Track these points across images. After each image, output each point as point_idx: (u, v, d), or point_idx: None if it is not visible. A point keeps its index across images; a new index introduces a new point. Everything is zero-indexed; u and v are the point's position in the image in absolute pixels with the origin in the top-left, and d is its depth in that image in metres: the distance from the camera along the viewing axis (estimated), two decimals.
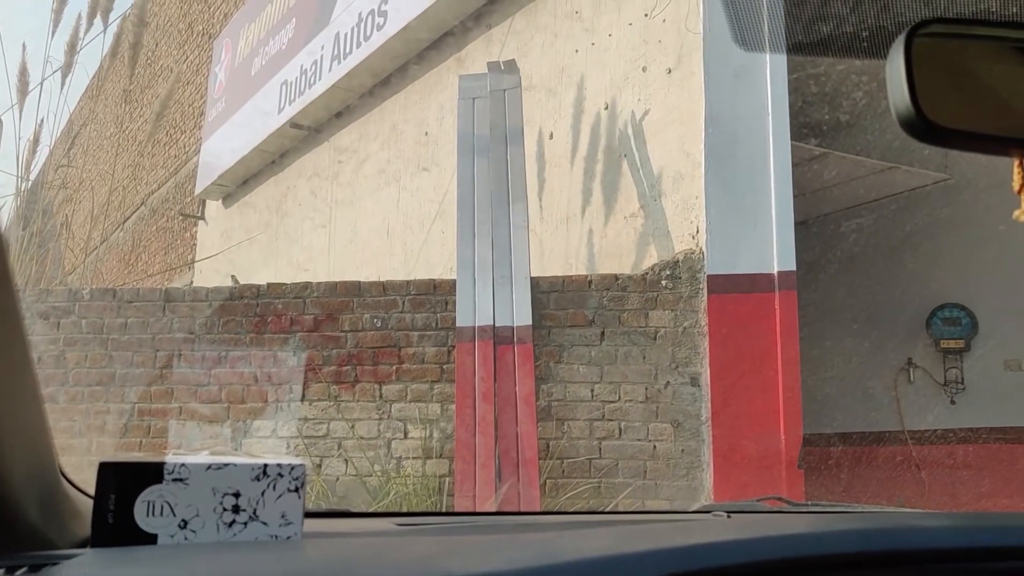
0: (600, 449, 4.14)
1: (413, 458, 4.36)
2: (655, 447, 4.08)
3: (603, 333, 4.23)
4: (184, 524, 0.98)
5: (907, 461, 5.13)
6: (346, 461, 4.42)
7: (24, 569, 0.78)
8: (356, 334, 4.49)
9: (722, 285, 4.01)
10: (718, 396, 3.95)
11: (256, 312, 4.58)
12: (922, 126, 0.53)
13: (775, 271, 3.92)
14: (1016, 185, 0.61)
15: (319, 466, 4.42)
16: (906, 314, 5.38)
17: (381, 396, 4.44)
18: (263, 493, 1.01)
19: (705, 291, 4.05)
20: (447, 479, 4.24)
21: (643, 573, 0.68)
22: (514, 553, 0.74)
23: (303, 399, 4.46)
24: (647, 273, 4.28)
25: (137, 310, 4.66)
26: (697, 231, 4.15)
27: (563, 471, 4.14)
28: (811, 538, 0.71)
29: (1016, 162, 0.60)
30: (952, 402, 5.23)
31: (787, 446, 3.79)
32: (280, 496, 1.02)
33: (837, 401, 5.08)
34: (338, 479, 4.39)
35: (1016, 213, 0.63)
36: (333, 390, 4.46)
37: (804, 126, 4.88)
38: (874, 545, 0.70)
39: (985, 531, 0.71)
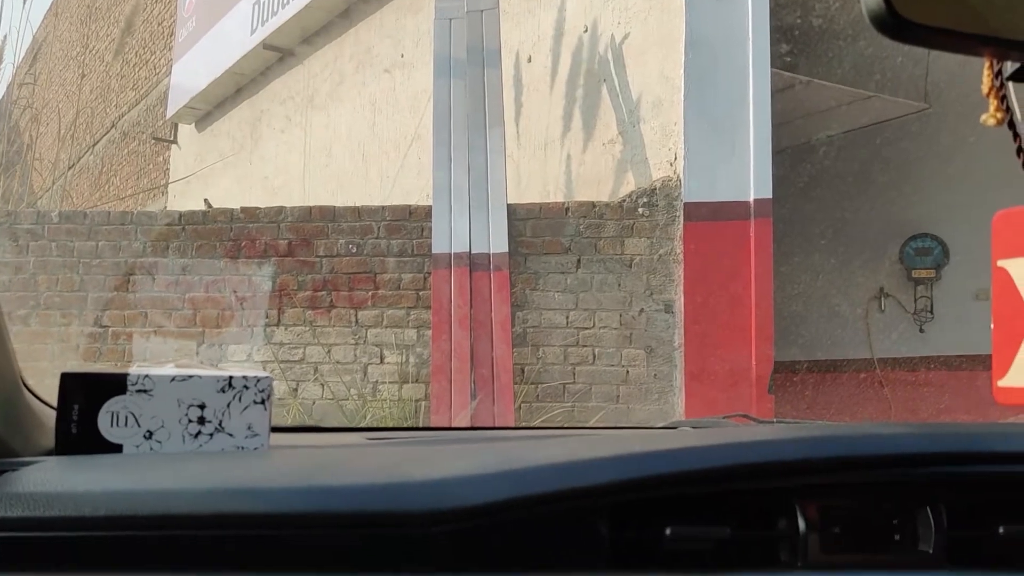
0: (574, 374, 4.18)
1: (389, 383, 4.39)
2: (628, 372, 4.12)
3: (579, 260, 4.23)
4: (149, 435, 0.98)
5: (874, 384, 5.24)
6: (322, 385, 4.45)
7: None
8: (331, 259, 4.47)
9: (698, 212, 4.01)
10: (691, 323, 3.98)
11: (230, 236, 4.53)
12: (892, 22, 0.51)
13: (751, 199, 3.92)
14: (984, 88, 0.60)
15: (295, 390, 4.44)
16: (880, 244, 5.42)
17: (357, 322, 4.44)
18: (229, 405, 1.01)
19: (681, 218, 4.05)
20: (423, 403, 4.29)
21: (602, 477, 0.69)
22: (478, 459, 0.75)
23: (278, 324, 4.46)
24: (624, 200, 4.27)
25: (108, 233, 4.60)
26: (675, 158, 4.12)
27: (537, 395, 4.18)
28: (767, 445, 0.72)
29: (986, 63, 0.59)
30: (921, 330, 5.32)
31: (758, 371, 3.85)
32: (246, 408, 1.02)
33: (809, 329, 5.15)
34: (314, 403, 4.42)
35: (983, 117, 0.62)
36: (308, 315, 4.45)
37: (785, 53, 4.81)
38: (829, 451, 0.71)
39: (938, 438, 0.72)
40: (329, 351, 4.43)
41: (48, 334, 4.50)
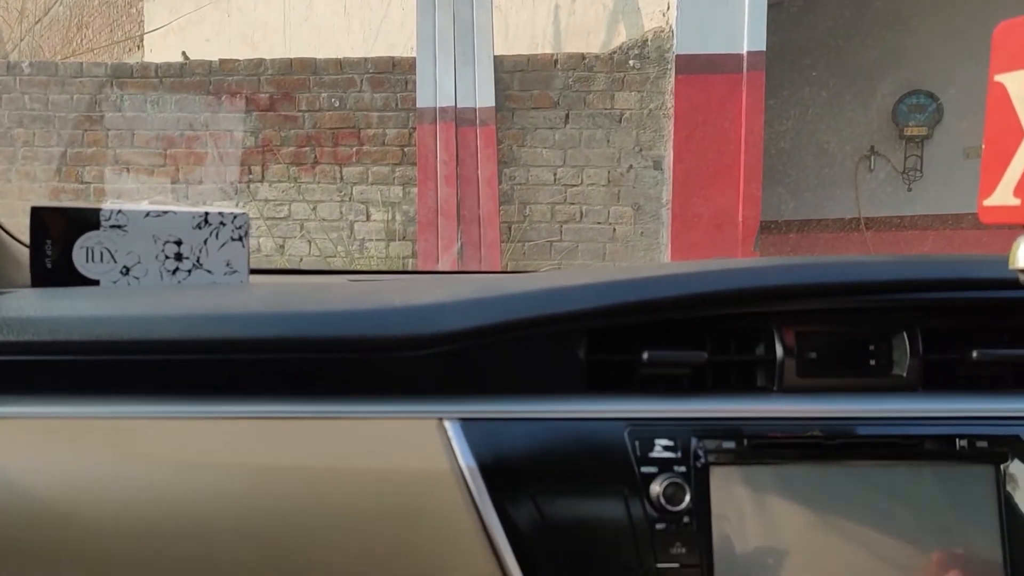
0: (561, 232, 4.18)
1: (376, 240, 4.38)
2: (615, 230, 4.12)
3: (568, 115, 4.15)
4: (126, 271, 0.97)
5: (859, 243, 5.27)
6: (309, 242, 4.43)
7: None
8: (314, 114, 4.36)
9: (690, 65, 3.90)
10: (679, 179, 3.95)
11: (209, 89, 4.40)
12: None
13: (745, 51, 3.80)
14: None
15: (282, 247, 4.43)
16: (872, 101, 5.32)
17: (342, 178, 4.39)
18: (206, 241, 1.00)
19: (673, 71, 3.94)
20: (411, 260, 4.29)
21: (580, 303, 0.69)
22: (458, 288, 0.74)
23: (263, 180, 4.40)
24: (615, 52, 4.14)
25: (83, 86, 4.45)
26: (668, 7, 3.97)
27: (524, 253, 4.19)
28: (747, 272, 0.71)
29: None
30: (909, 189, 5.31)
31: (744, 229, 3.85)
32: (224, 244, 1.01)
33: (796, 187, 5.13)
34: (301, 259, 4.42)
35: None
36: (293, 171, 4.38)
37: None
38: (807, 278, 0.71)
39: (915, 266, 0.72)
40: (315, 208, 4.40)
41: (29, 189, 4.43)
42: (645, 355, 0.70)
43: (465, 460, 0.65)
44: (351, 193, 4.39)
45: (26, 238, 1.11)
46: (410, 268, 4.28)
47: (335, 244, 4.35)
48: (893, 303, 0.72)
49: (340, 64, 4.36)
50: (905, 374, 0.71)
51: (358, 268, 4.26)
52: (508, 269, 3.99)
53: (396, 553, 0.64)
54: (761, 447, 0.69)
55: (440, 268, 4.07)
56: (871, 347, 0.72)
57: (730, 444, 0.68)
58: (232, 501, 0.65)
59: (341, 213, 4.40)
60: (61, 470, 0.66)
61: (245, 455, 0.66)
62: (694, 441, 0.68)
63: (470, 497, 0.65)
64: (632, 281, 0.70)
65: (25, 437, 0.68)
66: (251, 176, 4.41)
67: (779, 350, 0.71)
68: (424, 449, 0.66)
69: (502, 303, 0.69)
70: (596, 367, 0.72)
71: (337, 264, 4.33)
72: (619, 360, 0.72)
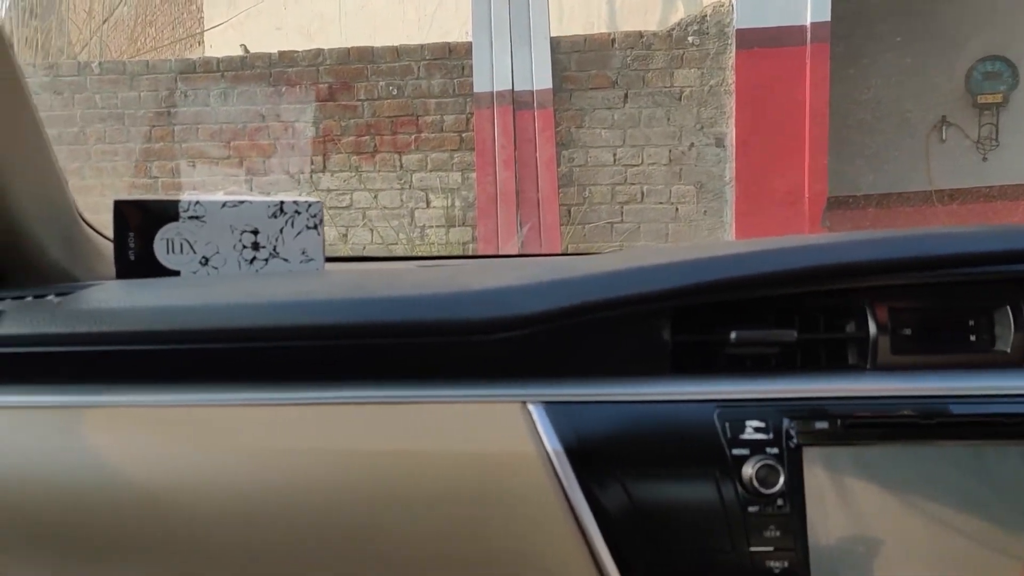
0: (622, 213, 4.14)
1: (436, 226, 4.40)
2: (677, 209, 4.07)
3: (626, 95, 4.10)
4: (205, 261, 0.98)
5: (932, 217, 5.10)
6: (371, 230, 4.48)
7: (51, 296, 0.78)
8: (373, 103, 4.39)
9: (751, 39, 3.81)
10: (743, 156, 3.87)
11: (269, 81, 4.46)
12: None
13: (808, 23, 3.70)
14: None
15: (345, 236, 4.48)
16: (944, 69, 5.13)
17: (401, 166, 4.41)
18: (281, 230, 1.01)
19: (733, 46, 3.86)
20: (471, 245, 4.30)
21: (665, 282, 0.67)
22: (535, 271, 0.73)
23: (324, 170, 4.45)
24: (673, 29, 4.07)
25: (149, 83, 4.56)
26: None
27: (584, 236, 4.17)
28: (837, 248, 0.69)
29: None
30: (984, 159, 5.12)
31: (811, 205, 3.76)
32: (299, 233, 1.01)
33: (865, 160, 4.98)
34: (364, 248, 4.46)
35: None
36: (354, 160, 4.42)
37: None
38: (902, 251, 0.68)
39: (1017, 236, 0.68)
40: (376, 196, 4.43)
41: (101, 186, 4.56)
42: (733, 335, 0.68)
43: (551, 443, 0.65)
44: (411, 181, 4.41)
45: (107, 232, 1.13)
46: (471, 254, 4.29)
47: (396, 232, 4.38)
48: (996, 275, 0.69)
49: (397, 52, 4.37)
50: (1009, 350, 0.68)
51: (420, 255, 4.29)
52: (569, 252, 3.97)
53: (483, 537, 0.64)
54: (855, 427, 0.66)
55: (502, 253, 4.07)
56: (971, 322, 0.69)
57: (823, 425, 0.66)
58: (318, 487, 0.65)
59: (402, 201, 4.42)
60: (152, 458, 0.67)
61: (330, 441, 0.66)
62: (786, 422, 0.66)
63: (557, 480, 0.64)
64: (722, 258, 0.69)
65: (116, 425, 0.69)
66: (313, 166, 4.46)
67: (872, 327, 0.69)
68: (509, 433, 0.65)
69: (585, 284, 0.68)
70: (680, 348, 0.70)
71: (398, 252, 4.37)
72: (705, 340, 0.70)
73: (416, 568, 0.65)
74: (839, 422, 0.66)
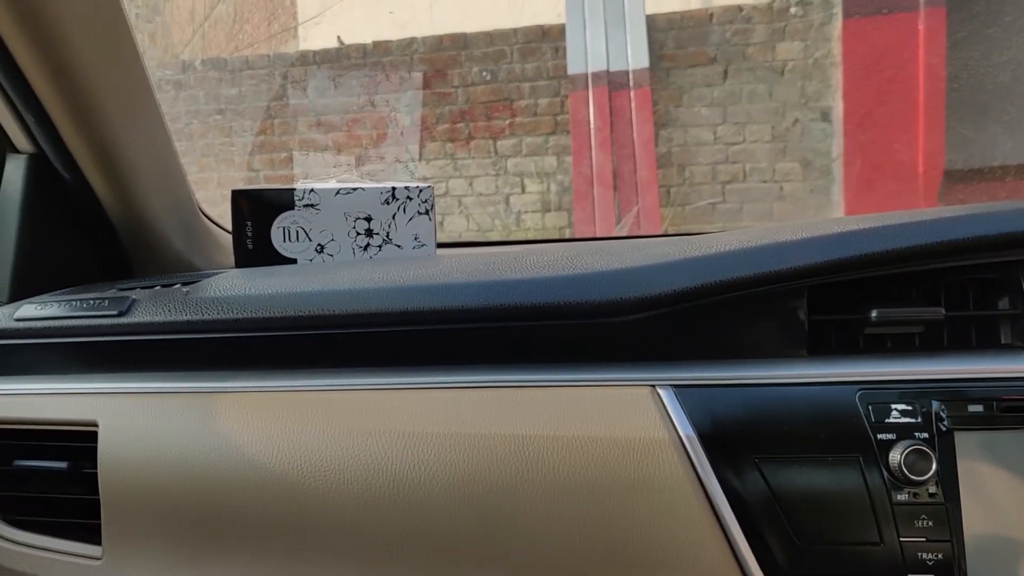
0: (724, 193, 4.03)
1: (532, 212, 4.38)
2: (782, 188, 3.94)
3: (726, 71, 3.98)
4: (321, 248, 1.00)
5: None
6: (467, 218, 4.50)
7: (178, 284, 0.80)
8: (466, 89, 4.40)
9: (858, 7, 3.64)
10: (851, 131, 3.71)
11: (364, 72, 4.53)
12: None
13: None
14: None
15: (441, 223, 4.52)
16: None
17: (496, 152, 4.41)
18: (394, 216, 1.01)
19: (840, 16, 3.70)
20: (567, 230, 4.27)
21: (803, 259, 0.64)
22: (659, 251, 0.71)
23: (419, 158, 4.49)
24: (774, 1, 3.93)
25: (250, 78, 4.69)
26: None
27: (685, 218, 4.08)
28: (986, 218, 0.64)
29: None
30: None
31: (926, 181, 3.59)
32: (411, 219, 1.01)
33: (1003, 128, 4.69)
34: (460, 235, 4.49)
35: None
36: (448, 148, 4.45)
37: None
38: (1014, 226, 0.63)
39: None
40: (471, 183, 4.45)
41: (208, 180, 4.72)
42: (874, 313, 0.64)
43: (683, 429, 0.62)
44: (505, 166, 4.41)
45: (224, 224, 1.16)
46: (577, 237, 4.26)
47: (492, 218, 4.39)
48: None
49: (490, 37, 4.37)
50: None
51: (528, 239, 4.28)
52: (670, 233, 3.90)
53: (616, 522, 0.62)
54: (1012, 410, 0.62)
55: (602, 236, 4.02)
56: None
57: (977, 408, 0.62)
58: (447, 471, 0.65)
59: (496, 187, 4.43)
60: (279, 441, 0.68)
61: (460, 424, 0.66)
62: (935, 404, 0.62)
63: (691, 466, 0.62)
64: (865, 232, 0.65)
65: (243, 410, 0.70)
66: (408, 155, 4.51)
67: None
68: (638, 417, 0.64)
69: (719, 262, 0.65)
70: (817, 328, 0.67)
71: (495, 238, 4.38)
72: (843, 320, 0.67)
73: (545, 553, 0.63)
74: (994, 405, 0.62)
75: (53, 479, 0.76)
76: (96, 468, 0.71)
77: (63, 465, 0.75)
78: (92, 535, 0.73)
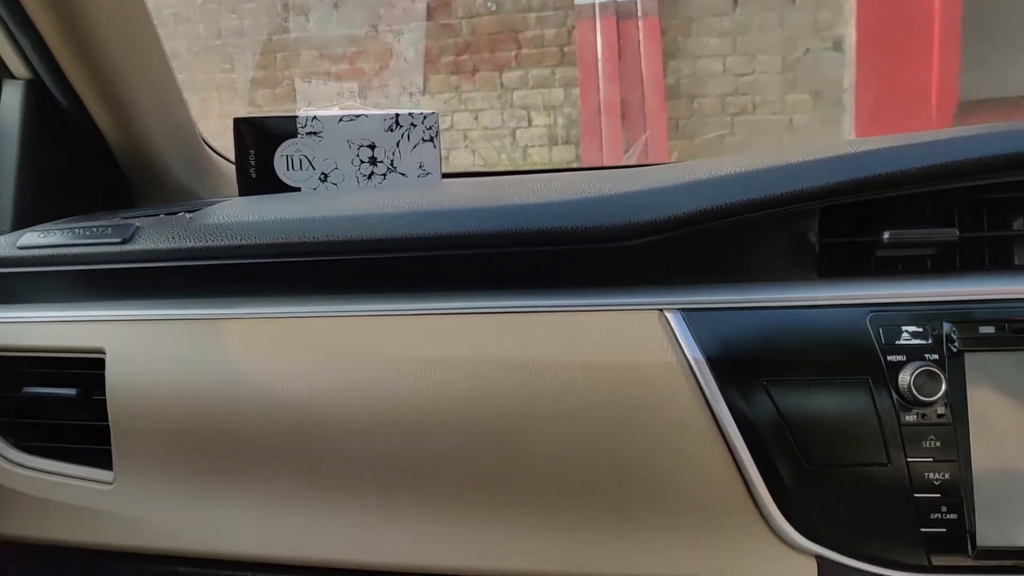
0: (733, 125, 3.98)
1: (539, 146, 4.34)
2: (792, 120, 3.88)
3: (736, 0, 3.89)
4: (324, 177, 0.98)
5: None
6: (473, 152, 4.45)
7: (182, 212, 0.80)
8: (471, 20, 4.31)
9: None
10: (864, 60, 3.63)
11: (367, 4, 4.43)
12: None
13: None
14: None
15: (447, 158, 4.48)
16: None
17: (502, 85, 4.34)
18: (398, 143, 0.99)
19: None
20: (575, 164, 4.24)
21: (816, 181, 0.63)
22: (668, 175, 0.70)
23: (424, 92, 4.43)
24: None
25: (251, 11, 4.60)
26: None
27: (693, 151, 4.04)
28: (1001, 137, 0.62)
29: None
30: None
31: (939, 113, 3.52)
32: (416, 146, 1.00)
33: (1000, 62, 4.60)
34: (467, 170, 4.46)
35: None
36: (453, 81, 4.38)
37: None
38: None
39: None
40: (476, 117, 4.39)
41: (207, 114, 4.67)
42: (886, 235, 0.63)
43: (691, 352, 0.62)
44: (511, 99, 4.34)
45: (227, 155, 1.15)
46: (588, 166, 4.22)
47: (498, 152, 4.35)
48: None
49: None
50: None
51: (536, 168, 4.24)
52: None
53: (624, 445, 0.63)
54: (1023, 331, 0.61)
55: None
56: None
57: (988, 329, 0.61)
58: (457, 395, 0.65)
59: (503, 120, 4.37)
60: (286, 366, 0.68)
61: (468, 349, 0.65)
62: (946, 326, 0.61)
63: (699, 389, 0.62)
64: (878, 153, 0.63)
65: (248, 335, 0.70)
66: (414, 85, 4.44)
67: None
68: (647, 341, 0.63)
69: (728, 184, 0.64)
70: (827, 250, 0.66)
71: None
72: (854, 242, 0.66)
73: (553, 475, 0.64)
74: (1006, 326, 0.61)
75: (63, 406, 0.76)
76: (105, 395, 0.72)
77: (72, 392, 0.75)
78: (102, 460, 0.74)
